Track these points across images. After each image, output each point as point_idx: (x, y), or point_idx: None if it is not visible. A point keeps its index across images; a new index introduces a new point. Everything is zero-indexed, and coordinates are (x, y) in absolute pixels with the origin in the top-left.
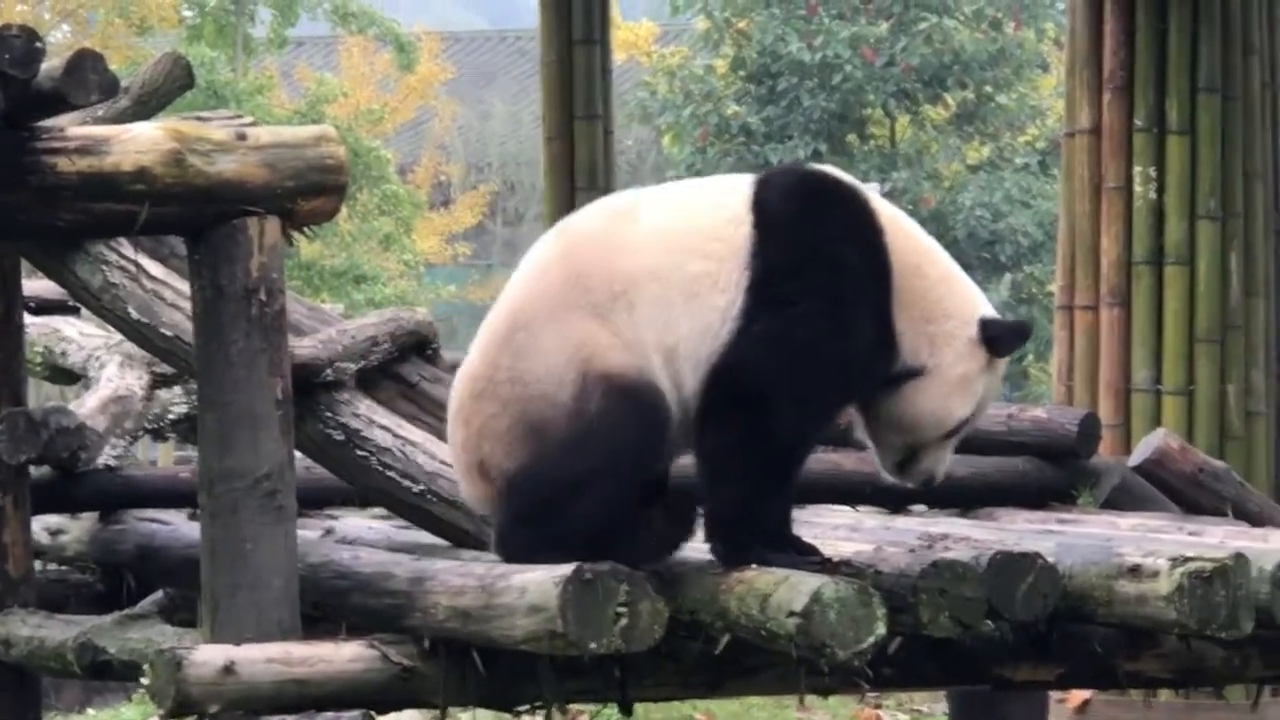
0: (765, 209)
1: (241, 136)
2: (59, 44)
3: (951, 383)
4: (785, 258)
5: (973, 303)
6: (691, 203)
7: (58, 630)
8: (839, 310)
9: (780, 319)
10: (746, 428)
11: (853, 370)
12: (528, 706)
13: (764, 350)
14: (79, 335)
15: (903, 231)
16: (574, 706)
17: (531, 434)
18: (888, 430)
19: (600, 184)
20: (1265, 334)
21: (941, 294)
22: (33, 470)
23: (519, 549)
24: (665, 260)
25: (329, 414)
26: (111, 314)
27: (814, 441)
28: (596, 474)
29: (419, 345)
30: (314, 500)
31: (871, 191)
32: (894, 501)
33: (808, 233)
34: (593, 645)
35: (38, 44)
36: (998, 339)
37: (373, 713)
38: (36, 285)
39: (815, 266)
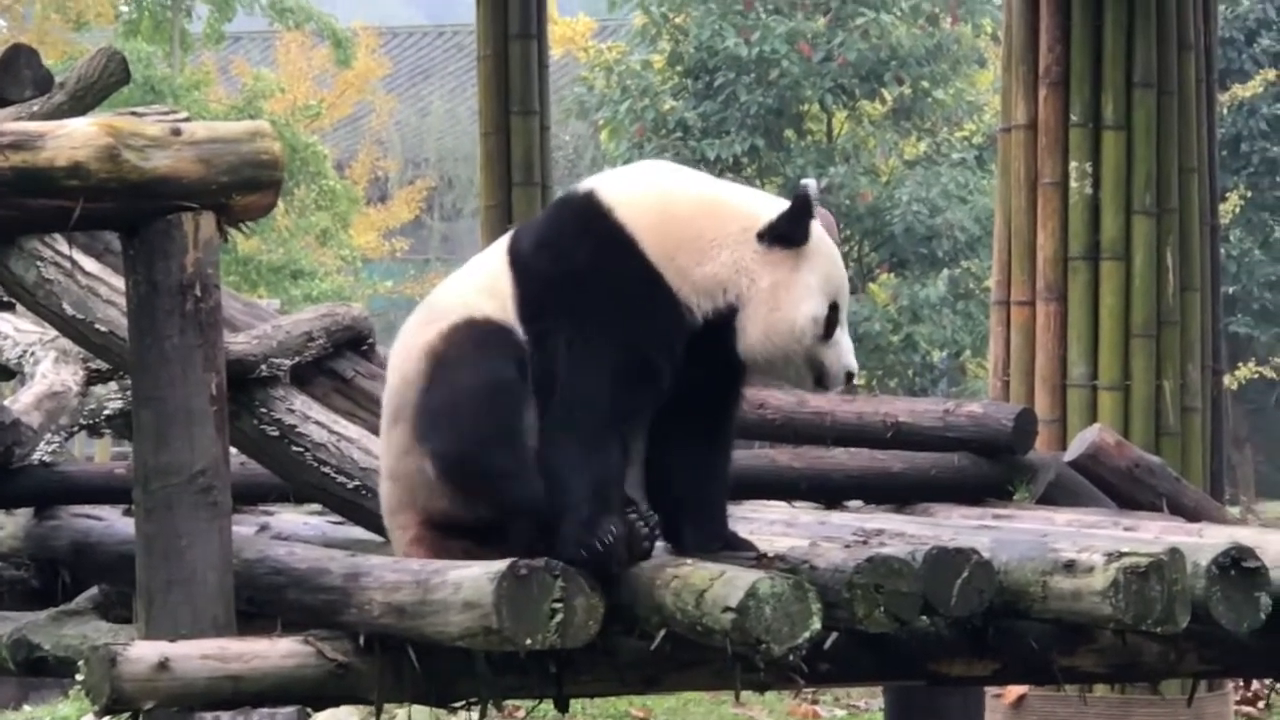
0: (513, 257)
1: (176, 132)
2: None
3: (770, 299)
4: (530, 294)
5: (740, 218)
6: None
7: None
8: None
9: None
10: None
11: (617, 366)
12: (463, 703)
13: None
14: (13, 331)
15: (638, 194)
16: (510, 703)
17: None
18: (769, 367)
19: (537, 179)
20: (1201, 329)
21: (702, 228)
22: None
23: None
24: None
25: (264, 410)
26: (46, 310)
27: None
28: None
29: (354, 341)
30: (249, 496)
31: (638, 181)
32: (829, 496)
33: (536, 263)
34: (528, 641)
35: None
36: (786, 236)
37: (308, 709)
38: None
39: (550, 295)
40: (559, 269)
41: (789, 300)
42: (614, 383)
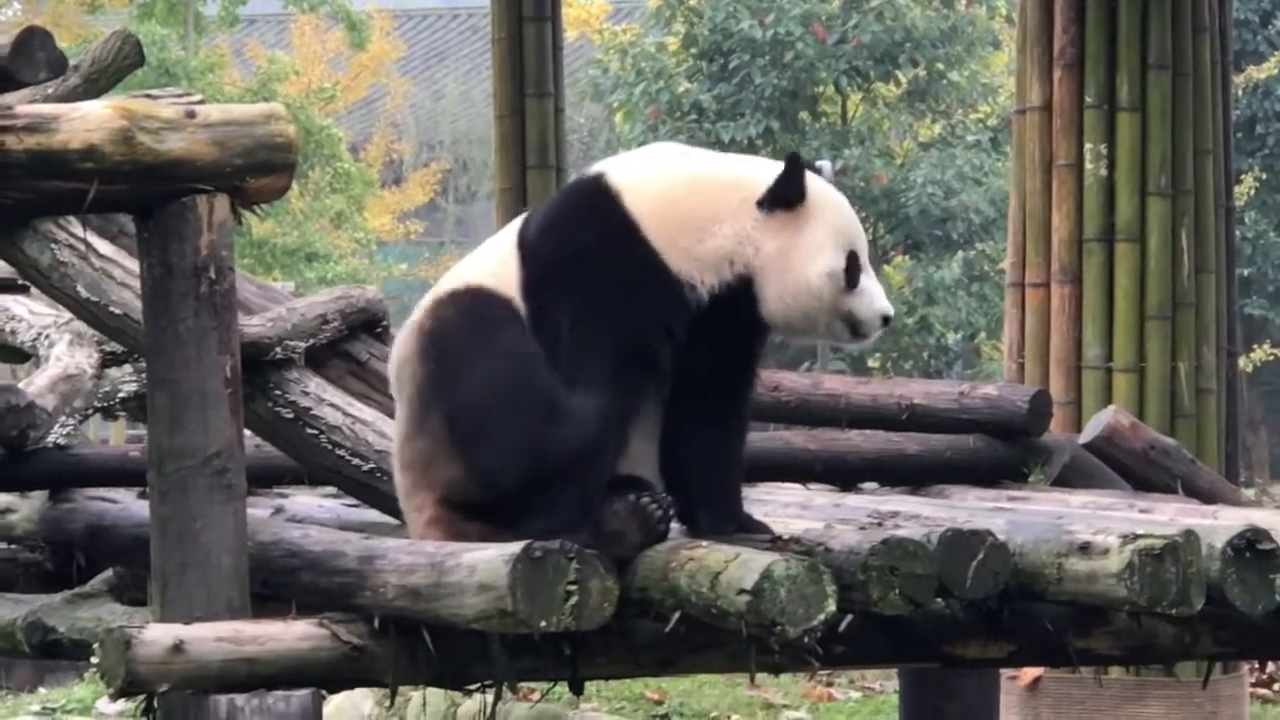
0: (522, 239)
1: (191, 114)
2: (10, 21)
3: (781, 263)
4: (534, 275)
5: (739, 189)
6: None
7: (7, 609)
8: (581, 310)
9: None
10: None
11: (615, 349)
12: (478, 685)
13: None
14: (28, 313)
15: (643, 178)
16: (525, 685)
17: None
18: (797, 328)
19: (551, 162)
20: (1216, 311)
21: (703, 205)
22: None
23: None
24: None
25: (278, 392)
26: (61, 292)
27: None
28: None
29: (369, 323)
30: (264, 478)
31: (644, 165)
32: (844, 479)
33: (543, 246)
34: (543, 624)
35: None
36: (782, 198)
37: (323, 691)
38: None
39: (554, 277)
40: (564, 251)
41: (798, 261)
42: (612, 367)
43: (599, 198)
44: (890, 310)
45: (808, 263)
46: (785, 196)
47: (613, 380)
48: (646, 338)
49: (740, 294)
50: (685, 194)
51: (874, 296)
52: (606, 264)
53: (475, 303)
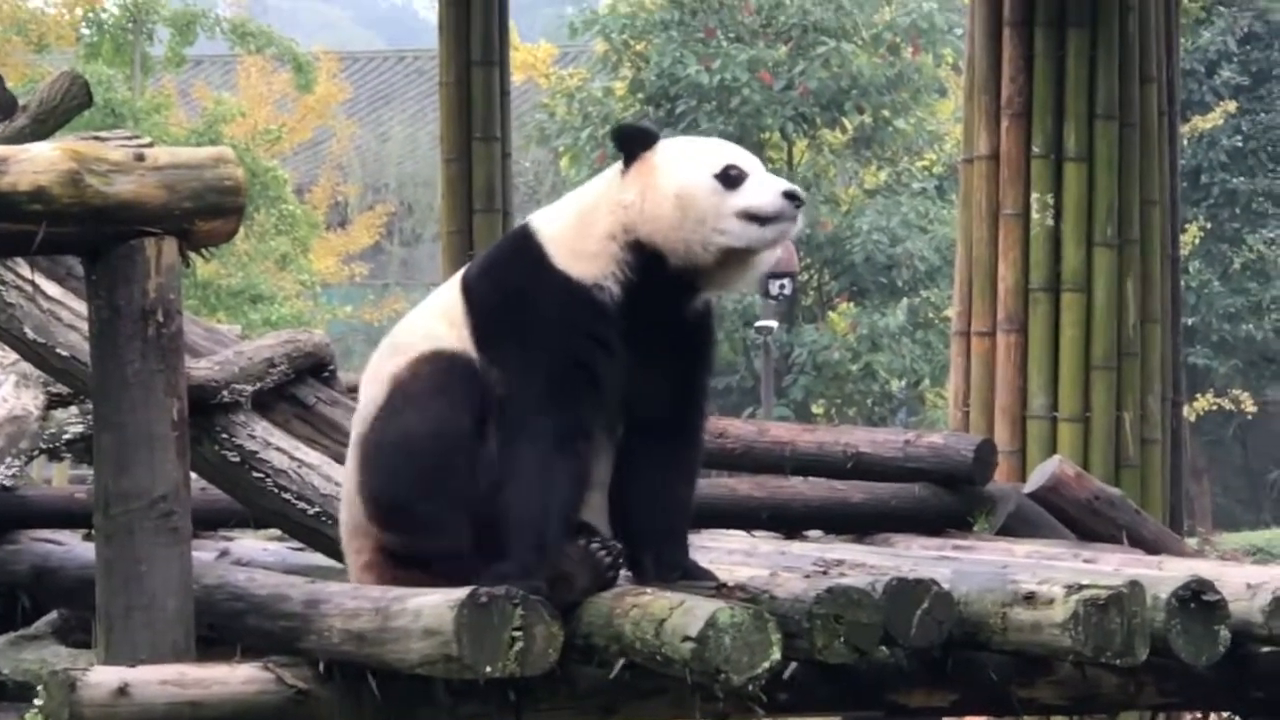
0: (464, 285)
1: (140, 157)
2: None
3: (649, 200)
4: (478, 322)
5: (608, 178)
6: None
7: None
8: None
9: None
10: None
11: (552, 373)
12: None
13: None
14: None
15: (553, 213)
16: None
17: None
18: (698, 244)
19: (498, 206)
20: (1161, 361)
21: (584, 208)
22: None
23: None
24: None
25: (225, 435)
26: (8, 334)
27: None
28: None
29: (316, 367)
30: (209, 521)
31: (558, 203)
32: (789, 526)
33: (480, 290)
34: (487, 669)
35: None
36: (629, 154)
37: None
38: None
39: (493, 319)
40: (498, 293)
41: (659, 189)
42: (553, 392)
43: (521, 239)
44: (790, 185)
45: (665, 184)
46: (628, 150)
47: (555, 408)
48: (575, 350)
49: (650, 270)
50: (578, 204)
51: (765, 184)
52: (527, 294)
53: (434, 370)
